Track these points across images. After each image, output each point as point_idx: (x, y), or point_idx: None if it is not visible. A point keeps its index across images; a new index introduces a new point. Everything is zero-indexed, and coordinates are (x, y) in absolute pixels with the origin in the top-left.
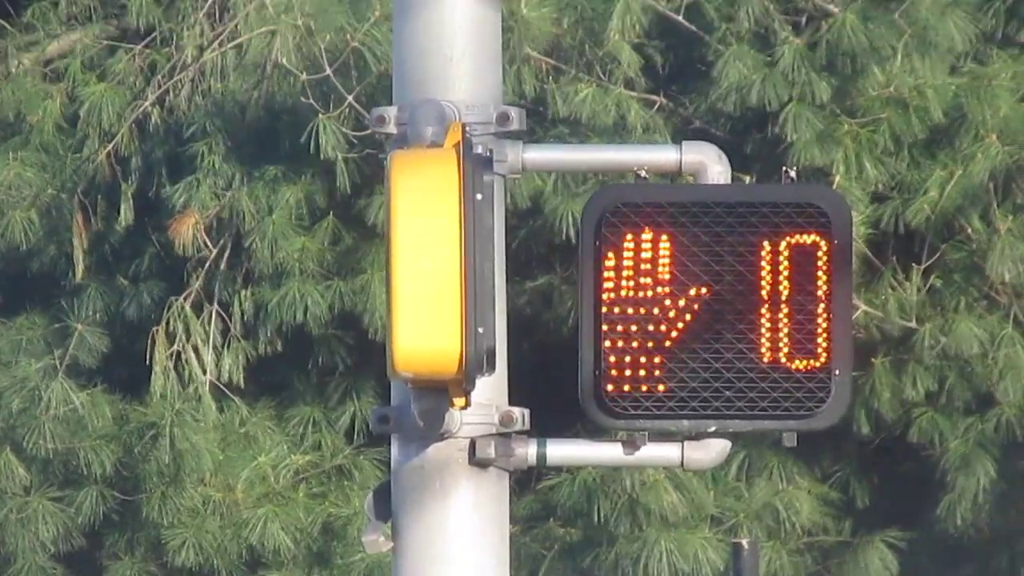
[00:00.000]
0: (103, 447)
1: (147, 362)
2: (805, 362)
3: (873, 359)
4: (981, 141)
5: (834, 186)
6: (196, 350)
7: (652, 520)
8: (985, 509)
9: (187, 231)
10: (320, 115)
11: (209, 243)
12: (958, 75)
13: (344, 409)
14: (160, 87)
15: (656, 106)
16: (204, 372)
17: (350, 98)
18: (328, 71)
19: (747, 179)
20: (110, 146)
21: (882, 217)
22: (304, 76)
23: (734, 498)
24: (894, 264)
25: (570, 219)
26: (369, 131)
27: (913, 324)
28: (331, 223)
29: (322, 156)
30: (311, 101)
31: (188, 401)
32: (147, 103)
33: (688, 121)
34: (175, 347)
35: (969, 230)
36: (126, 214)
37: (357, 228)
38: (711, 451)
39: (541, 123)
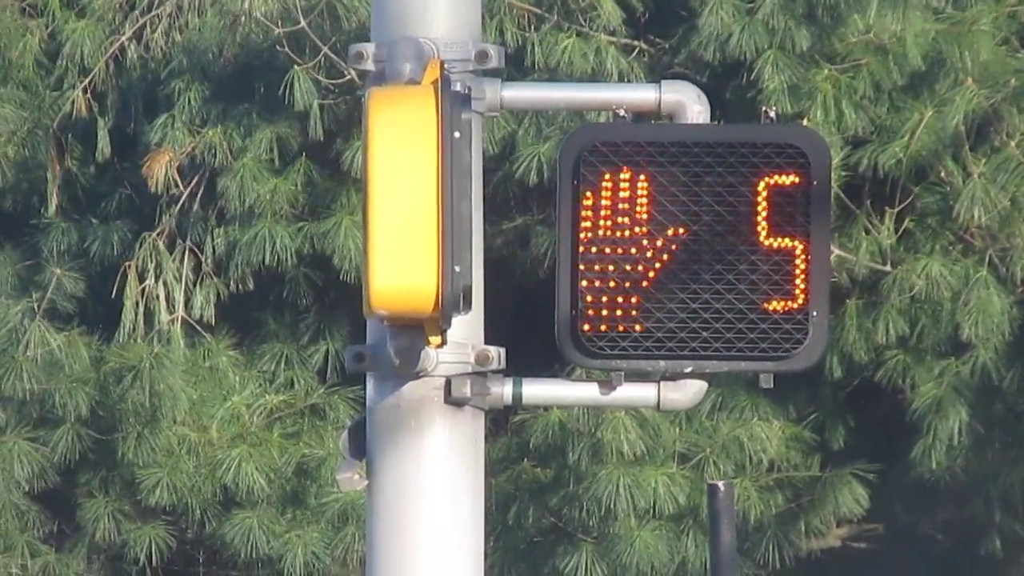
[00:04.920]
0: (79, 388)
1: (114, 296)
2: (783, 303)
3: (848, 300)
4: (960, 86)
5: None
6: (167, 286)
7: (613, 457)
8: (961, 453)
9: (161, 169)
10: (295, 67)
11: (181, 182)
12: (938, 20)
13: (316, 348)
14: (138, 22)
15: (635, 51)
16: (175, 309)
17: (325, 48)
18: (303, 23)
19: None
20: (86, 81)
21: (860, 161)
22: (280, 29)
23: (704, 435)
24: (868, 208)
25: (536, 162)
26: (344, 79)
27: (887, 268)
28: (304, 165)
29: (296, 108)
30: (286, 50)
31: (160, 339)
32: (124, 38)
33: (668, 68)
34: (147, 283)
35: (943, 174)
36: (103, 149)
37: (330, 171)
38: (687, 392)
39: (520, 70)
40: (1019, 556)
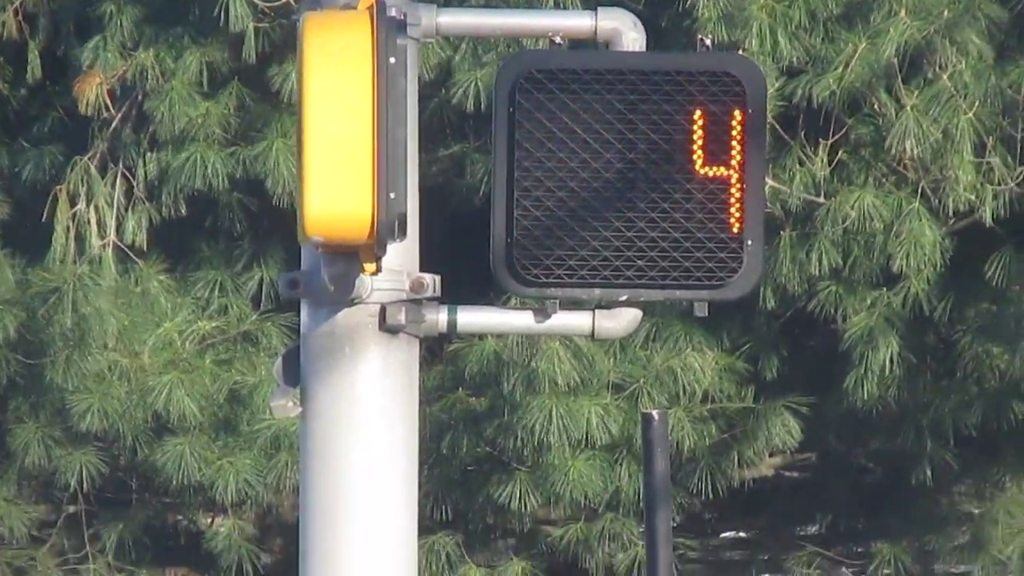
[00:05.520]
0: (5, 312)
1: (45, 220)
2: (718, 231)
3: (782, 231)
4: (894, 16)
5: None
6: (99, 211)
7: (546, 388)
8: (892, 383)
9: (91, 91)
10: None
11: (111, 104)
12: None
13: (251, 275)
14: None
15: None
16: (106, 234)
17: None
18: None
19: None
20: (17, 2)
21: (795, 92)
22: None
23: (638, 366)
24: (802, 139)
25: (473, 88)
26: (280, 2)
27: (820, 199)
28: (235, 88)
29: (231, 29)
30: None
31: (90, 264)
32: None
33: None
34: (78, 208)
35: (877, 105)
36: (34, 71)
37: (262, 95)
38: (622, 320)
39: None
40: (949, 485)
